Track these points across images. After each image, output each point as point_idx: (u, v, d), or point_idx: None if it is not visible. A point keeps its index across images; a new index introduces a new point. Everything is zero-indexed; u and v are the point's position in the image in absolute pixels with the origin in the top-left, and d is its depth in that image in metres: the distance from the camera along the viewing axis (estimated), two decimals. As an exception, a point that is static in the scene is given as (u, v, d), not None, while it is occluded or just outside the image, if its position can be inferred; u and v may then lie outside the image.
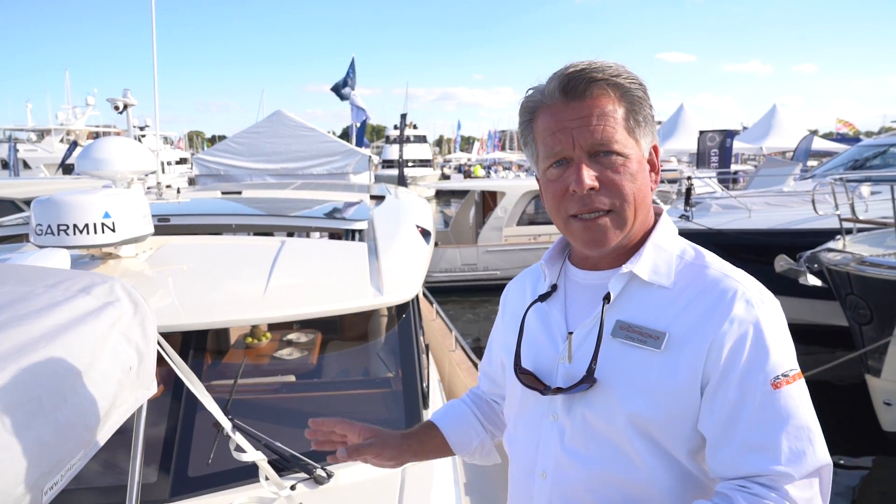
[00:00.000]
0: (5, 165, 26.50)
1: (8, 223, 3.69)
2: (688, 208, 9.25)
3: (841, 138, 35.87)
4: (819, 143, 27.63)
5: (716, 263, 1.10)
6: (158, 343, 1.40)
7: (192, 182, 11.64)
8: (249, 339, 3.24)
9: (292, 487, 1.96)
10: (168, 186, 3.86)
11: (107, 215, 2.40)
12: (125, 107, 3.21)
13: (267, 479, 1.89)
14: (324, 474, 2.02)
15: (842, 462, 5.69)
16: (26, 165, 26.71)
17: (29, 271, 1.31)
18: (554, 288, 1.22)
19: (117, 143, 3.04)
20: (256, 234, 4.12)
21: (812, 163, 20.55)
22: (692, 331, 1.03)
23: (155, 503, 1.88)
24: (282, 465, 2.04)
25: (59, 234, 2.34)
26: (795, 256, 5.83)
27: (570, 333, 1.15)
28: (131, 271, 2.59)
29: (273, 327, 3.08)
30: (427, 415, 2.41)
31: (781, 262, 5.73)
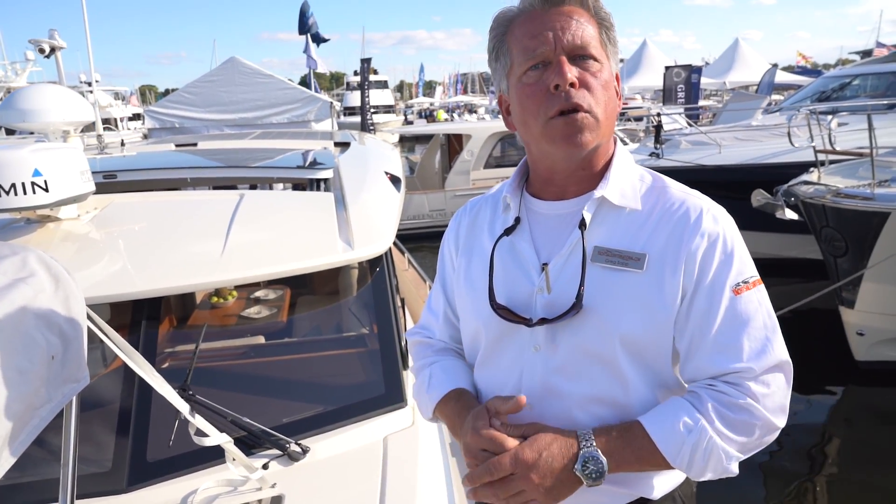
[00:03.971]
0: (-55, 125, 25.12)
1: None
2: (658, 146, 9.10)
3: (802, 70, 35.94)
4: (781, 77, 27.52)
5: (674, 185, 1.17)
6: (91, 320, 1.18)
7: (146, 137, 11.09)
8: (215, 299, 3.02)
9: (265, 466, 1.78)
10: (103, 140, 3.50)
11: (37, 173, 2.12)
12: (52, 50, 2.84)
13: (234, 460, 1.70)
14: (298, 450, 1.84)
15: (814, 392, 5.77)
16: (-33, 125, 25.38)
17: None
18: (517, 221, 1.21)
19: (48, 91, 2.71)
20: (216, 188, 3.84)
21: (776, 96, 20.48)
22: (667, 248, 1.09)
23: (112, 494, 1.69)
24: (252, 443, 1.86)
25: (-17, 196, 2.06)
26: (772, 191, 5.73)
27: (545, 265, 1.15)
28: (73, 235, 2.33)
29: (239, 285, 2.86)
30: (407, 375, 2.25)
31: (758, 197, 5.61)
